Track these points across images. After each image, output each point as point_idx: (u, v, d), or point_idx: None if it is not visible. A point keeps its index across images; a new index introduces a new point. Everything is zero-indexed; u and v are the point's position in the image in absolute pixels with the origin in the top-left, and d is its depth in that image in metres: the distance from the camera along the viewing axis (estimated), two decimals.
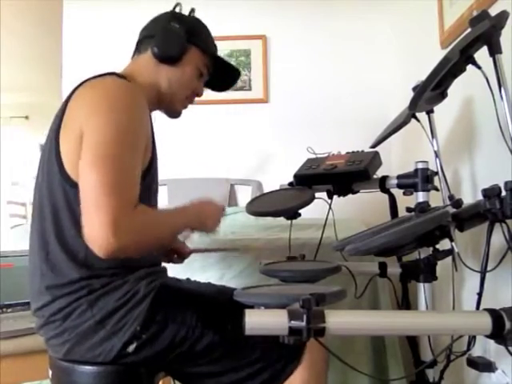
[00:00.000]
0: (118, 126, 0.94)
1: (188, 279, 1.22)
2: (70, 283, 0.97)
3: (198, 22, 1.20)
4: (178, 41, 1.12)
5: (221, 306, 1.06)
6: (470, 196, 1.39)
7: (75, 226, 0.95)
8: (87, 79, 1.04)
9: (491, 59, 0.96)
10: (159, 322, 0.98)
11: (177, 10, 1.18)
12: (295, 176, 1.44)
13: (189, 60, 1.15)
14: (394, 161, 2.35)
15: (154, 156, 1.06)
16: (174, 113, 1.22)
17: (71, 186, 0.95)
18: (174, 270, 1.25)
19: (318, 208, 1.36)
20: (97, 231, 0.85)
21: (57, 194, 0.98)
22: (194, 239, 1.25)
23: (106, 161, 0.90)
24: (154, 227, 0.97)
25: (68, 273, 0.97)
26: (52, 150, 0.99)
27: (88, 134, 0.93)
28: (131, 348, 0.96)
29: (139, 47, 1.16)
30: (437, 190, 1.27)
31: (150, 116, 1.11)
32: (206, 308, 1.05)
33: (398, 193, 1.35)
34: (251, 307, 0.78)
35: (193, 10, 1.19)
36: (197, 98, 1.26)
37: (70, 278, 0.97)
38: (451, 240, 0.97)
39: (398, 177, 1.32)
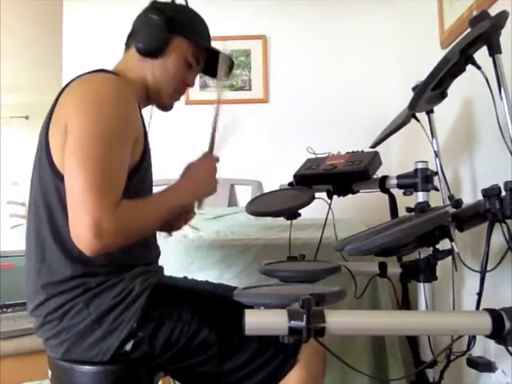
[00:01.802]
0: (100, 123, 0.93)
1: (185, 277, 1.22)
2: (65, 281, 0.97)
3: (182, 9, 1.15)
4: (157, 32, 1.08)
5: (218, 303, 1.06)
6: (469, 196, 1.39)
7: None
8: (76, 76, 1.03)
9: (491, 59, 0.96)
10: (155, 318, 0.98)
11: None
12: (295, 176, 1.44)
13: (172, 50, 1.11)
14: (394, 161, 2.35)
15: (146, 150, 1.05)
16: (164, 106, 1.19)
17: (62, 182, 0.95)
18: (171, 270, 1.24)
19: (318, 208, 1.36)
20: (80, 232, 0.86)
21: (50, 191, 0.98)
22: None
23: (87, 161, 0.89)
24: (142, 219, 0.96)
25: (63, 270, 0.97)
26: (43, 148, 0.99)
27: (71, 131, 0.93)
28: (128, 346, 0.96)
29: (128, 43, 1.15)
30: (437, 190, 1.27)
31: (141, 110, 1.09)
32: (202, 304, 1.05)
33: (398, 193, 1.35)
34: (251, 307, 0.78)
35: None
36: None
37: (65, 275, 0.97)
38: (451, 240, 0.97)
39: (398, 177, 1.32)
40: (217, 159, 1.17)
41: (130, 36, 1.14)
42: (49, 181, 0.98)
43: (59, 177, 0.96)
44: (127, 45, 1.15)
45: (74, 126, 0.93)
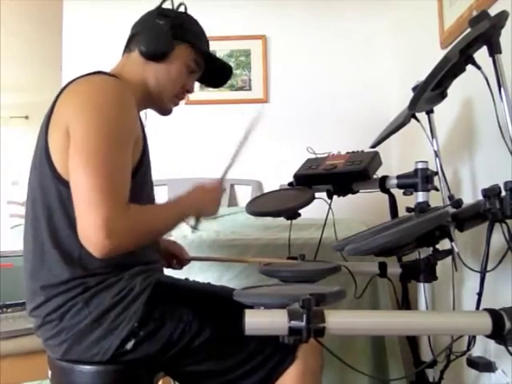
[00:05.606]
0: (104, 125, 0.94)
1: (186, 279, 1.22)
2: (64, 282, 0.97)
3: (186, 17, 1.18)
4: (163, 37, 1.10)
5: (218, 303, 1.06)
6: (470, 196, 1.39)
7: (69, 225, 0.95)
8: (75, 78, 1.03)
9: (491, 59, 0.96)
10: (156, 318, 0.98)
11: (168, 5, 1.16)
12: (295, 176, 1.44)
13: (176, 56, 1.13)
14: (394, 161, 2.35)
15: (145, 152, 1.06)
16: (164, 110, 1.20)
17: (64, 185, 0.95)
18: (172, 271, 1.25)
19: (318, 208, 1.36)
20: (90, 233, 0.87)
21: (50, 194, 0.98)
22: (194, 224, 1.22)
23: (95, 162, 0.90)
24: (148, 224, 0.98)
25: (62, 272, 0.97)
26: (42, 149, 0.99)
27: (74, 133, 0.93)
28: (129, 345, 0.95)
29: (129, 45, 1.16)
30: (437, 190, 1.27)
31: (139, 113, 1.10)
32: (203, 304, 1.05)
33: (398, 193, 1.35)
34: (251, 307, 0.78)
35: (181, 4, 1.17)
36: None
37: (64, 277, 0.97)
38: (451, 240, 0.97)
39: (398, 177, 1.32)
40: (224, 189, 1.19)
41: (132, 39, 1.15)
42: (49, 184, 0.98)
43: (60, 180, 0.96)
44: (128, 48, 1.15)
45: (77, 129, 0.93)
